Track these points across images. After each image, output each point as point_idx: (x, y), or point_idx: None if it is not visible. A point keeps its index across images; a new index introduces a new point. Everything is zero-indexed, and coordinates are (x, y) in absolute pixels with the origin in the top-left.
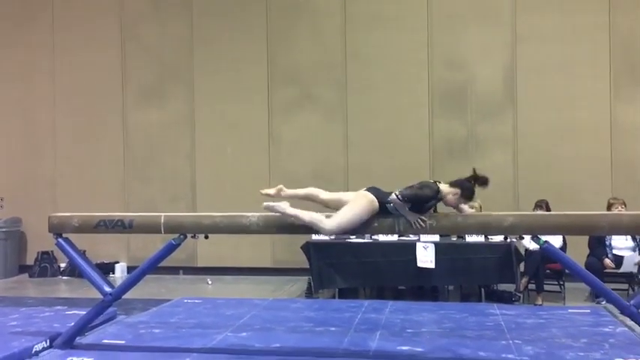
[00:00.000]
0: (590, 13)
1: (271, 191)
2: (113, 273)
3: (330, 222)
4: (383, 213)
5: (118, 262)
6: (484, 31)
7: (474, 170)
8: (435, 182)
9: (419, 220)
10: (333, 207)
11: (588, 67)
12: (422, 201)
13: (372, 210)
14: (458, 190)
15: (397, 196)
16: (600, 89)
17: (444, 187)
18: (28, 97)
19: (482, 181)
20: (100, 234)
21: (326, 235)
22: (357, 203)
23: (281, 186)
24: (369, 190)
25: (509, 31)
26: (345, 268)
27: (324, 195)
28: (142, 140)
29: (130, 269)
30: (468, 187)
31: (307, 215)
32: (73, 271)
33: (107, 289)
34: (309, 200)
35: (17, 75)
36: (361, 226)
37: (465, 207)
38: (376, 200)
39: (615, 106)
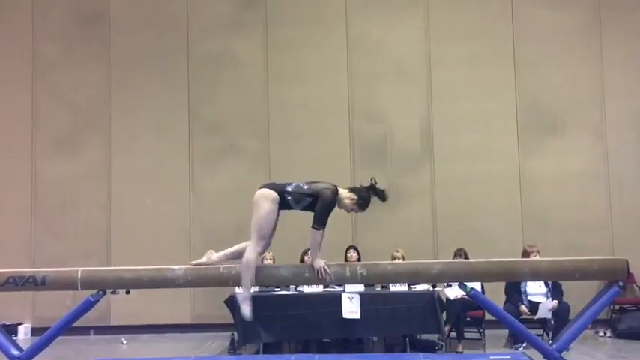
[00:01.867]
0: (497, 71)
1: (202, 259)
2: (16, 335)
3: (251, 247)
4: (284, 204)
5: (21, 324)
6: (401, 87)
7: (373, 180)
8: (335, 186)
9: (323, 270)
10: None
11: (498, 122)
12: (329, 212)
13: (274, 203)
14: (355, 197)
15: (315, 227)
16: (509, 143)
17: (342, 192)
18: None
19: (381, 194)
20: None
21: (257, 255)
22: (259, 210)
23: (211, 250)
24: (264, 186)
25: (424, 87)
26: (270, 322)
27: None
28: (52, 191)
29: (34, 331)
30: (365, 196)
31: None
32: None
33: (15, 352)
34: (241, 257)
35: None
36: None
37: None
38: (273, 192)
39: (523, 159)
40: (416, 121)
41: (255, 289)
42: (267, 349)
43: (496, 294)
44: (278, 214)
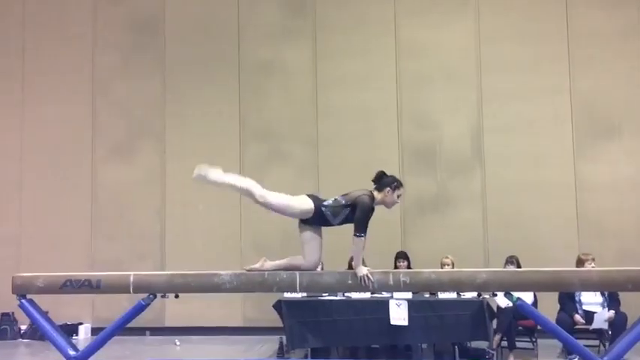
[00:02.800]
0: (551, 76)
1: (256, 266)
2: (76, 335)
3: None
4: (319, 216)
5: (81, 324)
6: (451, 91)
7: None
8: (370, 191)
9: (366, 277)
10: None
11: (551, 127)
12: (368, 218)
13: (304, 205)
14: (388, 189)
15: (356, 235)
16: (564, 148)
17: (377, 195)
18: None
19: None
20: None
21: (262, 203)
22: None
23: (265, 258)
24: (308, 195)
25: (474, 91)
26: (318, 327)
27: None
28: (110, 196)
29: (94, 330)
30: (391, 179)
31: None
32: (35, 333)
33: (71, 352)
34: (293, 269)
35: None
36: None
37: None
38: (312, 203)
39: (579, 164)
40: (466, 126)
41: (302, 294)
42: (316, 353)
43: (550, 303)
44: (320, 233)
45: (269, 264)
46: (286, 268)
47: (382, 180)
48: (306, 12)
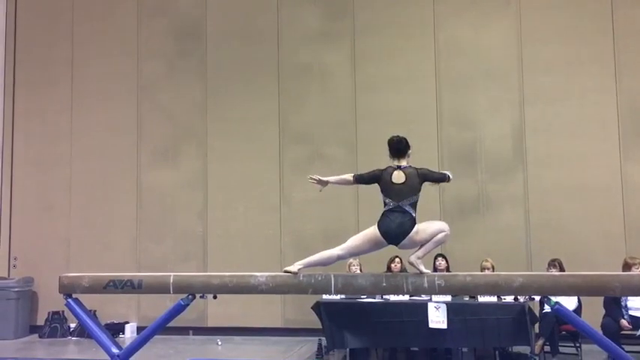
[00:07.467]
0: (596, 76)
1: (292, 268)
2: (123, 333)
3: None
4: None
5: (128, 322)
6: (492, 92)
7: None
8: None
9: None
10: (353, 253)
11: (596, 128)
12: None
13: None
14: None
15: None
16: (609, 149)
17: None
18: (45, 156)
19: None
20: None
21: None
22: (363, 232)
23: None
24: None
25: (516, 91)
26: (357, 329)
27: (337, 251)
28: (155, 199)
29: (140, 329)
30: (406, 141)
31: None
32: (83, 331)
33: (115, 350)
34: (326, 262)
35: (36, 135)
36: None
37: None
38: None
39: (625, 166)
40: (507, 127)
41: (341, 296)
42: (355, 355)
43: (596, 308)
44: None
45: (302, 263)
46: (317, 265)
47: (408, 145)
48: (344, 15)
